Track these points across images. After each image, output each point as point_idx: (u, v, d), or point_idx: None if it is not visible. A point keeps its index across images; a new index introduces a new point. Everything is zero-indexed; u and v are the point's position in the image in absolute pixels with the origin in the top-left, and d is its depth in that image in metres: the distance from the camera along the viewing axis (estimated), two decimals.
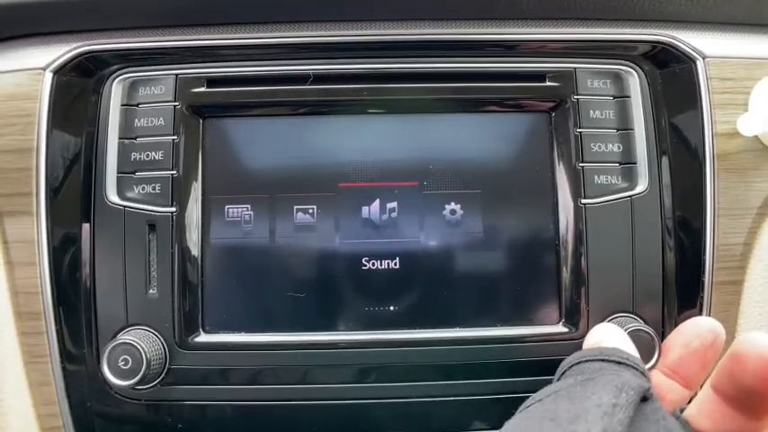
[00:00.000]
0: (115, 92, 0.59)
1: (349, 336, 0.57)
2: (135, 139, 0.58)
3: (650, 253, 0.58)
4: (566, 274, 0.58)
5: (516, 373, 0.57)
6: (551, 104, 0.60)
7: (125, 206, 0.57)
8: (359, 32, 0.60)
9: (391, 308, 0.58)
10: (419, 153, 0.59)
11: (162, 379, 0.56)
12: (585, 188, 0.58)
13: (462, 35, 0.60)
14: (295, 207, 0.58)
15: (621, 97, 0.60)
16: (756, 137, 0.57)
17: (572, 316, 0.57)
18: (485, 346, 0.57)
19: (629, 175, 0.59)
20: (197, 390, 0.57)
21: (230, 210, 0.58)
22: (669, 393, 0.47)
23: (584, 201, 0.58)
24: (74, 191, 0.58)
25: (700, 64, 0.58)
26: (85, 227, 0.58)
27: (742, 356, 0.37)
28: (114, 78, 0.59)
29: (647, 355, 0.51)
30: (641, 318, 0.57)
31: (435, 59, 0.60)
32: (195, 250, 0.58)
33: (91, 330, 0.57)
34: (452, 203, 0.59)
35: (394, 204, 0.59)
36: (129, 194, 0.58)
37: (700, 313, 0.57)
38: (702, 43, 0.59)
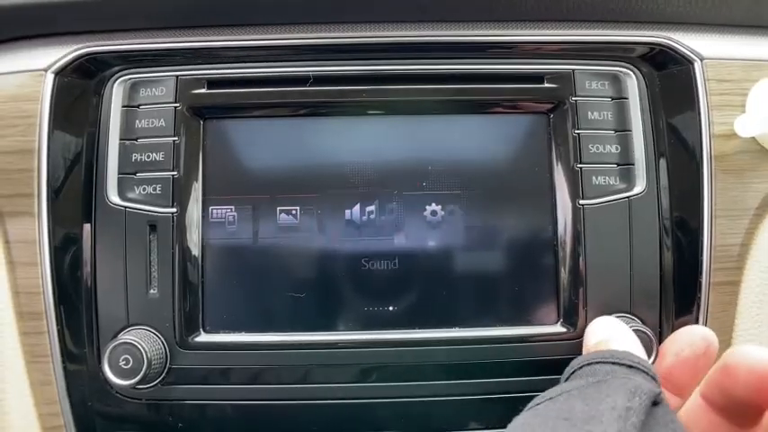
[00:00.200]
0: (116, 93, 0.59)
1: (348, 336, 0.58)
2: (136, 140, 0.59)
3: (648, 253, 0.58)
4: (564, 274, 0.58)
5: (515, 373, 0.58)
6: (550, 106, 0.60)
7: (126, 207, 0.57)
8: (358, 34, 0.60)
9: (390, 308, 0.58)
10: (418, 154, 0.60)
11: (162, 378, 0.56)
12: (584, 189, 0.58)
13: (461, 37, 0.60)
14: (295, 207, 0.59)
15: (619, 99, 0.60)
16: (754, 138, 0.58)
17: (570, 316, 0.58)
18: (483, 345, 0.57)
19: (627, 176, 0.59)
20: (197, 389, 0.58)
21: (230, 210, 0.59)
22: None
23: (582, 201, 0.58)
24: (75, 191, 0.58)
25: (697, 65, 0.59)
26: (86, 227, 0.58)
27: (732, 369, 0.37)
28: (115, 80, 0.60)
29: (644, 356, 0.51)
30: (639, 318, 0.57)
31: (434, 61, 0.60)
32: (196, 250, 0.58)
33: (92, 330, 0.57)
34: (452, 204, 0.59)
35: (394, 205, 0.59)
36: (130, 195, 0.58)
37: (697, 313, 0.57)
38: (700, 45, 0.59)
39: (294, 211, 0.59)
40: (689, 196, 0.58)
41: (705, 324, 0.57)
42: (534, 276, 0.59)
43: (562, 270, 0.58)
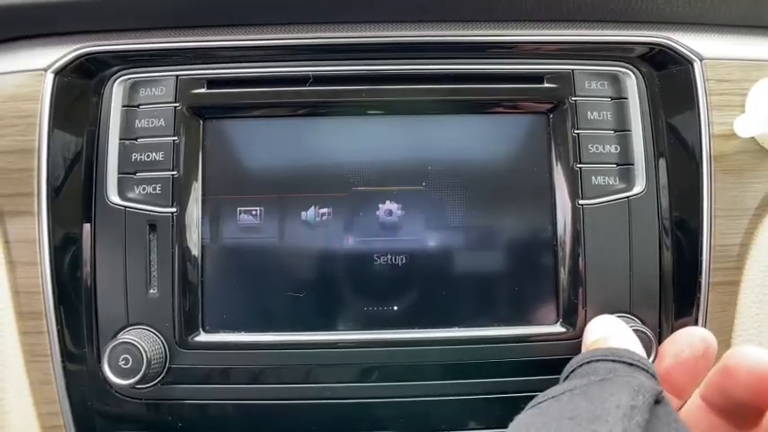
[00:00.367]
0: (116, 93, 0.59)
1: (348, 335, 0.58)
2: (136, 139, 0.59)
3: (647, 253, 0.58)
4: (563, 274, 0.58)
5: (514, 373, 0.58)
6: (549, 106, 0.60)
7: (126, 206, 0.58)
8: (358, 34, 0.60)
9: (390, 308, 0.58)
10: (418, 154, 0.60)
11: (162, 378, 0.56)
12: (583, 189, 0.58)
13: (460, 37, 0.60)
14: (294, 207, 0.59)
15: (619, 99, 0.60)
16: (753, 138, 0.58)
17: (569, 316, 0.58)
18: (483, 345, 0.57)
19: (627, 176, 0.59)
20: (197, 389, 0.58)
21: (230, 210, 0.59)
22: None
23: (581, 201, 0.58)
24: (75, 191, 0.58)
25: (697, 66, 0.59)
26: (86, 227, 0.58)
27: (732, 370, 0.37)
28: (115, 79, 0.60)
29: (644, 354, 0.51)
30: (638, 318, 0.57)
31: (434, 61, 0.60)
32: (195, 250, 0.58)
33: (91, 330, 0.57)
34: (451, 204, 0.59)
35: (394, 205, 0.59)
36: (130, 195, 0.58)
37: (697, 313, 0.57)
38: (699, 45, 0.59)
39: (293, 211, 0.59)
40: (688, 196, 0.58)
41: (704, 324, 0.57)
42: (534, 276, 0.59)
43: (561, 270, 0.58)
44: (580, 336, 0.56)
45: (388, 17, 0.61)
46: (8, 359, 0.56)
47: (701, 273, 0.57)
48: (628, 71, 0.61)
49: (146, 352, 0.53)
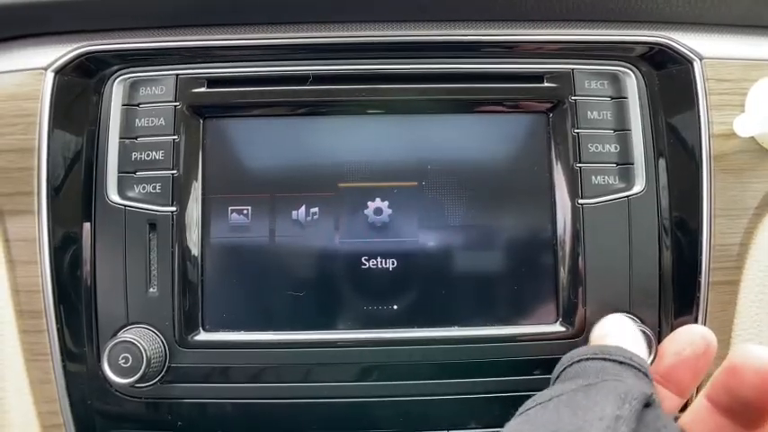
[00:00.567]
0: (116, 92, 0.59)
1: (348, 334, 0.58)
2: (136, 138, 0.59)
3: (647, 253, 0.58)
4: (563, 273, 0.58)
5: (514, 372, 0.58)
6: (549, 105, 0.60)
7: (126, 205, 0.58)
8: (358, 33, 0.60)
9: (390, 307, 0.58)
10: (418, 153, 0.60)
11: (162, 377, 0.56)
12: (583, 188, 0.58)
13: (460, 36, 0.60)
14: (294, 207, 0.59)
15: (619, 98, 0.60)
16: (753, 138, 0.58)
17: (569, 315, 0.58)
18: (482, 344, 0.57)
19: (627, 175, 0.59)
20: (197, 388, 0.58)
21: (230, 209, 0.59)
22: (662, 401, 0.47)
23: (581, 201, 0.58)
24: (75, 190, 0.58)
25: (697, 65, 0.59)
26: (86, 226, 0.58)
27: (738, 369, 0.37)
28: (115, 78, 0.60)
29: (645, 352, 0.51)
30: (638, 317, 0.57)
31: (434, 60, 0.61)
32: (195, 249, 0.58)
33: (91, 328, 0.57)
34: (451, 204, 0.59)
35: (393, 204, 0.59)
36: (130, 194, 0.58)
37: (697, 313, 0.57)
38: (699, 45, 0.59)
39: (293, 211, 0.59)
40: (688, 196, 0.58)
41: (704, 323, 0.57)
42: (533, 275, 0.59)
43: (561, 269, 0.58)
44: (580, 335, 0.56)
45: (388, 17, 0.61)
46: (8, 358, 0.56)
47: (700, 272, 0.57)
48: (628, 71, 0.61)
49: (145, 351, 0.53)
